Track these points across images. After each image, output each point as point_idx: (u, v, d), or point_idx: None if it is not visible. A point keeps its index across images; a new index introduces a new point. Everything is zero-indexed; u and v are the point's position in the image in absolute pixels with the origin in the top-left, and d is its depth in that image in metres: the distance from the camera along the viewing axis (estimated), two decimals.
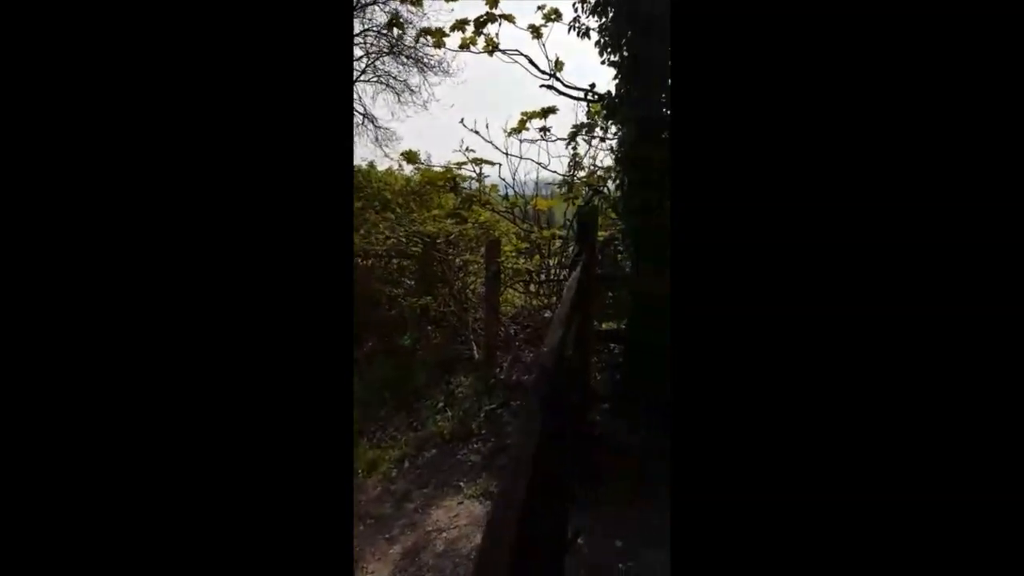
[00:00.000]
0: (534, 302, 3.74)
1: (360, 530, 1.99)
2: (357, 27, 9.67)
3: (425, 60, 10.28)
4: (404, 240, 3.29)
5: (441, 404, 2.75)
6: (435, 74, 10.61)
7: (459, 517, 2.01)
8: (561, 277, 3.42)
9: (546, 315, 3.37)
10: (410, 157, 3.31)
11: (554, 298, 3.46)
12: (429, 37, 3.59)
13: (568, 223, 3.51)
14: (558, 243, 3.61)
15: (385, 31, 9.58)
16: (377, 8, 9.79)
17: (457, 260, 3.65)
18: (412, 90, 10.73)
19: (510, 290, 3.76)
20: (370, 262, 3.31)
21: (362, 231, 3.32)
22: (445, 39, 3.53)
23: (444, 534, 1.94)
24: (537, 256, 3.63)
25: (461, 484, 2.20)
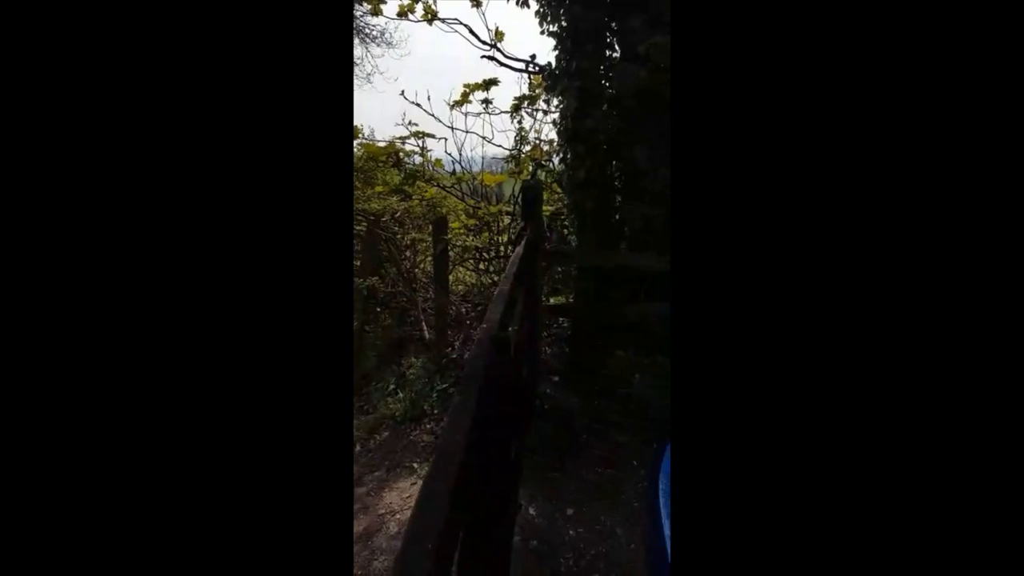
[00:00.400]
0: (484, 279, 3.67)
1: None
2: None
3: (367, 31, 9.72)
4: None
5: (392, 387, 2.66)
6: (377, 45, 10.07)
7: (412, 498, 1.96)
8: (510, 253, 3.36)
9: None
10: (352, 132, 3.10)
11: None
12: (366, 3, 3.33)
13: (515, 199, 3.44)
14: (506, 219, 3.53)
15: None
16: None
17: (404, 239, 3.50)
18: (355, 62, 10.15)
19: (460, 268, 3.67)
20: None
21: None
22: (382, 6, 3.28)
23: (397, 516, 1.89)
24: (486, 233, 3.55)
25: (415, 465, 2.14)
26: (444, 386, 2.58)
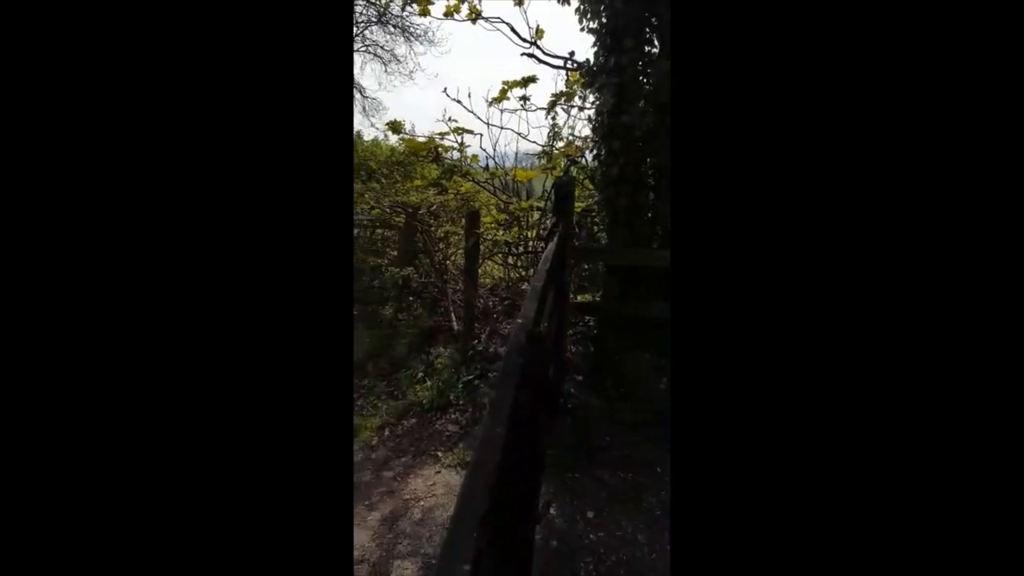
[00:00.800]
0: (512, 274, 3.65)
1: None
2: None
3: (411, 29, 9.81)
4: (388, 211, 3.13)
5: (421, 374, 2.67)
6: (420, 44, 10.17)
7: (436, 486, 1.96)
8: (539, 249, 3.32)
9: (523, 287, 3.29)
10: (395, 127, 3.11)
11: (531, 270, 3.37)
12: (415, 5, 3.33)
13: (546, 195, 3.39)
14: (536, 215, 3.49)
15: (375, 1, 9.09)
16: None
17: (438, 231, 3.51)
18: (398, 60, 10.28)
19: (489, 262, 3.65)
20: (356, 231, 3.16)
21: None
22: (430, 7, 3.28)
23: (421, 502, 1.89)
24: (516, 228, 3.51)
25: (439, 454, 2.14)
26: (470, 378, 2.57)
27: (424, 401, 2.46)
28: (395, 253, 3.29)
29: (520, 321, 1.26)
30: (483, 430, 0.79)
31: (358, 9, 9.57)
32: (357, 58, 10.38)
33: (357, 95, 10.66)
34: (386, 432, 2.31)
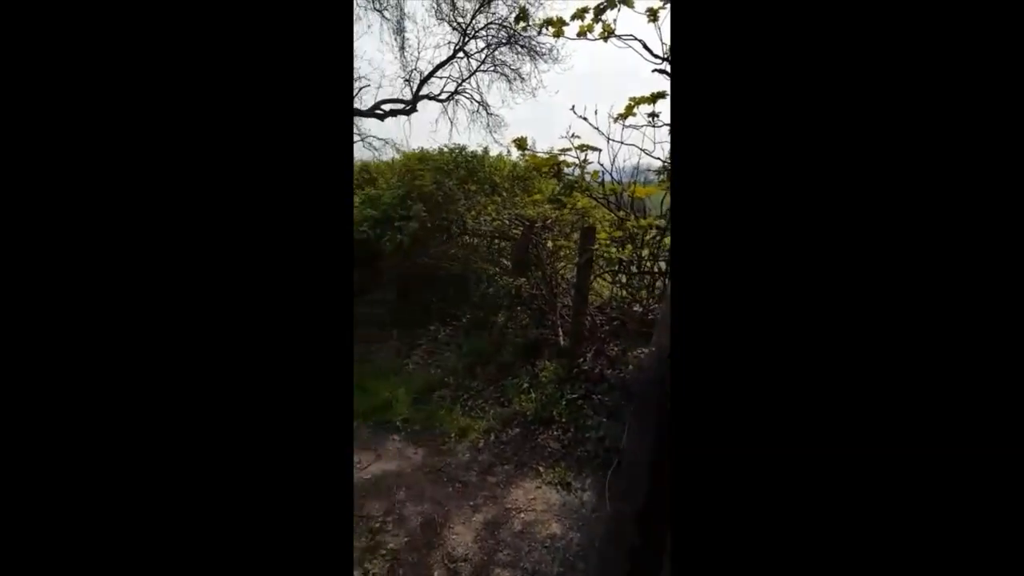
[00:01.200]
0: (622, 293, 3.52)
1: (449, 491, 2.02)
2: (481, 21, 9.85)
3: (537, 49, 10.16)
4: (506, 223, 3.24)
5: (526, 385, 2.69)
6: (545, 62, 10.46)
7: (536, 501, 1.95)
8: (655, 270, 3.16)
9: (635, 308, 3.15)
10: (520, 144, 3.22)
11: (643, 292, 3.22)
12: (551, 27, 3.44)
13: (666, 213, 3.22)
14: (653, 232, 3.33)
15: (507, 24, 9.62)
16: (500, 2, 9.86)
17: (550, 244, 3.53)
18: (523, 78, 10.70)
19: (600, 280, 3.57)
20: (475, 241, 3.32)
21: (473, 212, 3.33)
22: (564, 27, 3.35)
23: (522, 515, 1.89)
24: (629, 246, 3.39)
25: (540, 468, 2.13)
26: (574, 396, 2.53)
27: (528, 412, 2.47)
28: (509, 264, 3.39)
29: (653, 349, 1.19)
30: (626, 459, 0.75)
31: (491, 31, 10.16)
32: (484, 78, 11.02)
33: (483, 113, 11.31)
34: (491, 437, 2.37)
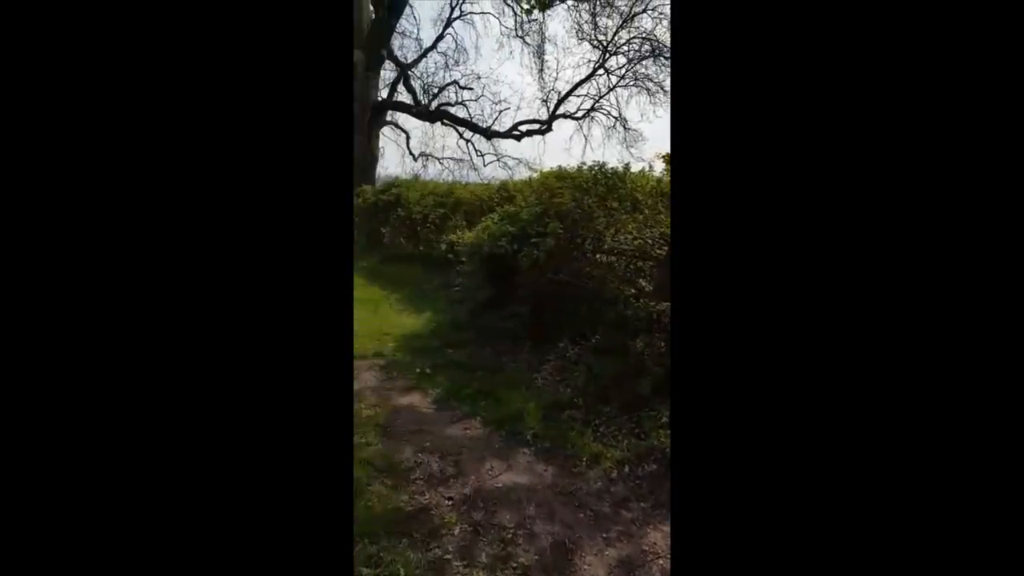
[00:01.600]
0: None
1: (580, 516, 1.96)
2: (623, 36, 9.85)
3: None
4: (649, 242, 3.09)
5: (665, 420, 2.50)
6: None
7: None
8: None
9: None
10: (667, 158, 3.08)
11: None
12: None
13: None
14: None
15: (651, 36, 9.47)
16: (646, 16, 9.76)
17: None
18: (665, 90, 10.35)
19: None
20: (613, 259, 3.24)
21: (612, 230, 3.27)
22: None
23: (660, 561, 1.73)
24: None
25: None
26: None
27: (667, 449, 2.28)
28: (649, 287, 3.21)
29: None
30: None
31: (633, 46, 10.00)
32: (623, 93, 10.88)
33: (620, 128, 11.17)
34: (626, 469, 2.24)
